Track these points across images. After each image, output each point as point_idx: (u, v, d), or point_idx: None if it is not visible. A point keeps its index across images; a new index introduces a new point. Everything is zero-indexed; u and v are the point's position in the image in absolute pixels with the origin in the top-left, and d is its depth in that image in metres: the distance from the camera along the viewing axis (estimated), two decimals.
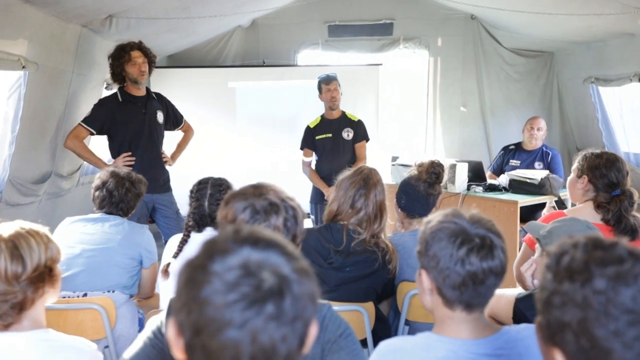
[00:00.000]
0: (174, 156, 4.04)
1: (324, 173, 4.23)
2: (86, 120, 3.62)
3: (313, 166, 4.41)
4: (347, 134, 4.30)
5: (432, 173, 2.55)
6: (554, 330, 0.84)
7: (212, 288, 0.73)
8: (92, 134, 3.64)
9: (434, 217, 1.25)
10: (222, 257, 0.75)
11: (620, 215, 2.23)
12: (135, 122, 3.69)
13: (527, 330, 1.26)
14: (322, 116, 4.38)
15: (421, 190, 2.53)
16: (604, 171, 2.30)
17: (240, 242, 0.78)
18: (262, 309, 0.71)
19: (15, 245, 1.36)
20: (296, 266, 0.78)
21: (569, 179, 2.49)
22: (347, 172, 2.40)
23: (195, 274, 0.75)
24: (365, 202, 2.27)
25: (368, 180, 2.31)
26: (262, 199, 1.34)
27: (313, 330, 0.79)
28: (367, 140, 4.37)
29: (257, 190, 1.36)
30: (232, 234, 0.80)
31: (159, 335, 1.34)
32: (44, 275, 1.41)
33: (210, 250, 0.78)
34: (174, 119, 4.02)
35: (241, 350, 0.71)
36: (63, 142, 3.64)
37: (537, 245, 1.88)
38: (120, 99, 3.69)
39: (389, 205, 2.39)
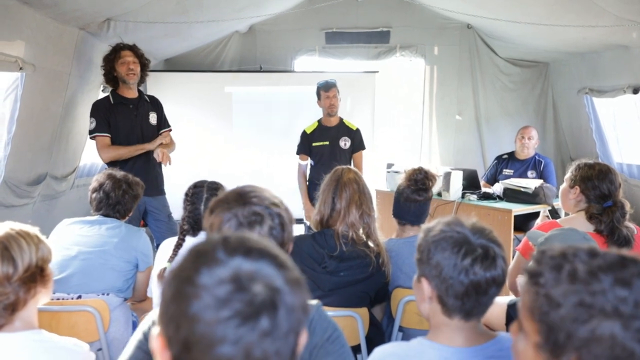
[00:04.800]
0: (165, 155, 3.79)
1: (318, 180, 4.21)
2: (96, 130, 3.60)
3: (308, 171, 4.40)
4: (345, 143, 4.27)
5: (414, 180, 2.54)
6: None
7: (202, 303, 0.70)
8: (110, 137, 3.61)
9: (435, 225, 1.25)
10: (210, 269, 0.72)
11: (613, 226, 2.24)
12: (127, 124, 3.68)
13: None
14: (319, 121, 4.35)
15: (404, 197, 2.53)
16: (596, 183, 2.31)
17: (230, 252, 0.74)
18: (256, 325, 0.70)
19: (5, 247, 1.37)
20: (288, 277, 0.75)
21: (561, 187, 2.50)
22: (326, 178, 2.40)
23: (182, 287, 0.72)
24: (341, 203, 2.27)
25: (339, 181, 2.31)
26: (246, 209, 1.31)
27: (303, 339, 0.77)
28: (364, 149, 4.37)
29: (241, 199, 1.33)
30: (221, 241, 0.76)
31: (149, 337, 1.31)
32: (36, 275, 1.42)
33: (196, 260, 0.74)
34: (162, 125, 3.95)
35: None
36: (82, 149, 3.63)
37: (533, 253, 1.88)
38: (112, 101, 3.69)
39: (380, 211, 2.39)
